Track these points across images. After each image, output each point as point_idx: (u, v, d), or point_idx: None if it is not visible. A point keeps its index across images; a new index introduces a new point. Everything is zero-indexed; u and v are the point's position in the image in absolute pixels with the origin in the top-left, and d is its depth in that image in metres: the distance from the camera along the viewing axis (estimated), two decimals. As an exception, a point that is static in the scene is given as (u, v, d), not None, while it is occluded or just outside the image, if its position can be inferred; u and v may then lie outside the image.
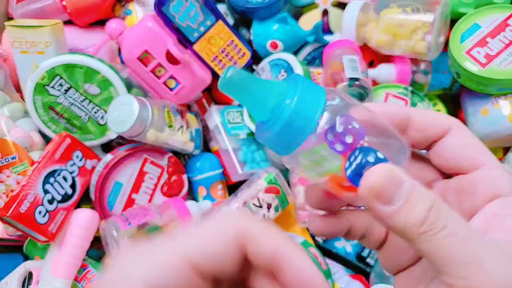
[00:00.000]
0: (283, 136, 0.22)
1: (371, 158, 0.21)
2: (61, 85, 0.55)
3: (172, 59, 0.57)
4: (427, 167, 0.26)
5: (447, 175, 0.25)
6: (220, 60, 0.61)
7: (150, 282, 0.17)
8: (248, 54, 0.62)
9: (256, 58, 0.65)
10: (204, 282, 0.18)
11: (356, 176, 0.21)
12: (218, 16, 0.59)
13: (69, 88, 0.55)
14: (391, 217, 0.20)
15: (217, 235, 0.19)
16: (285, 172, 0.62)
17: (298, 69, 0.57)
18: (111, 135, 0.58)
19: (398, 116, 0.25)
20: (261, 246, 0.19)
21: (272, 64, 0.60)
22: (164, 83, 0.58)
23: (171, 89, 0.59)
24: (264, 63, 0.62)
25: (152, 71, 0.58)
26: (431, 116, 0.25)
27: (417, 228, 0.20)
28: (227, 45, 0.60)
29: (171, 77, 0.58)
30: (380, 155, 0.22)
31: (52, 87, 0.55)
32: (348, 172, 0.22)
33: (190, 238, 0.19)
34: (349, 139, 0.22)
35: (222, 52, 0.60)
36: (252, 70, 0.65)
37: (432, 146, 0.25)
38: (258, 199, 0.55)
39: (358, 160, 0.22)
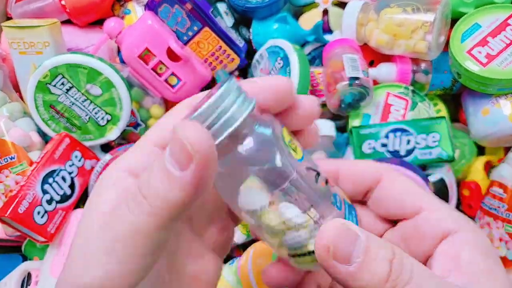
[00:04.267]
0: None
1: None
2: (62, 84, 0.55)
3: (172, 56, 0.57)
4: (375, 219, 0.26)
5: (394, 223, 0.25)
6: (211, 63, 0.61)
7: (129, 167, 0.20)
8: (237, 60, 0.62)
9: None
10: None
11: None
12: (204, 23, 0.59)
13: (70, 88, 0.55)
14: (353, 277, 0.18)
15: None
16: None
17: (293, 56, 0.56)
18: (110, 136, 0.58)
19: (328, 171, 0.25)
20: None
21: (270, 52, 0.60)
22: (166, 81, 0.58)
23: (173, 87, 0.59)
24: (262, 50, 0.62)
25: (153, 69, 0.58)
26: (359, 168, 0.25)
27: (382, 285, 0.18)
28: (216, 50, 0.60)
29: (173, 74, 0.58)
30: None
31: (54, 85, 0.55)
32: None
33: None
34: None
35: (212, 55, 0.61)
36: (249, 66, 0.65)
37: (368, 196, 0.25)
38: None
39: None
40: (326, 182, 0.22)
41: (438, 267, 0.22)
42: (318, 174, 0.22)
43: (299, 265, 0.22)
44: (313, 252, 0.20)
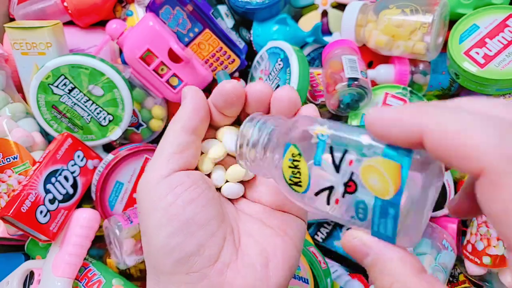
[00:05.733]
0: None
1: None
2: (65, 84, 0.55)
3: (174, 57, 0.57)
4: None
5: None
6: (211, 64, 0.62)
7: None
8: (238, 61, 0.62)
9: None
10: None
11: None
12: (205, 24, 0.59)
13: (73, 88, 0.56)
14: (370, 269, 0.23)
15: None
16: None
17: (293, 57, 0.57)
18: (112, 136, 0.58)
19: None
20: None
21: (270, 53, 0.61)
22: (167, 82, 0.59)
23: (174, 87, 0.59)
24: (263, 52, 0.62)
25: (155, 70, 0.58)
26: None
27: None
28: (216, 51, 0.61)
29: (174, 75, 0.58)
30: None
31: (56, 86, 0.55)
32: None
33: None
34: None
35: (212, 56, 0.61)
36: (249, 67, 0.66)
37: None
38: None
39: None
40: (344, 193, 0.23)
41: None
42: (330, 191, 0.23)
43: None
44: None
